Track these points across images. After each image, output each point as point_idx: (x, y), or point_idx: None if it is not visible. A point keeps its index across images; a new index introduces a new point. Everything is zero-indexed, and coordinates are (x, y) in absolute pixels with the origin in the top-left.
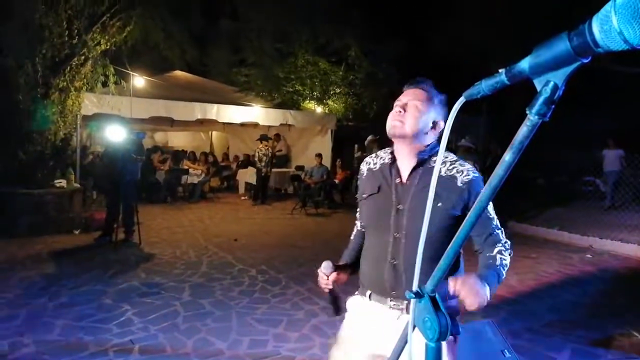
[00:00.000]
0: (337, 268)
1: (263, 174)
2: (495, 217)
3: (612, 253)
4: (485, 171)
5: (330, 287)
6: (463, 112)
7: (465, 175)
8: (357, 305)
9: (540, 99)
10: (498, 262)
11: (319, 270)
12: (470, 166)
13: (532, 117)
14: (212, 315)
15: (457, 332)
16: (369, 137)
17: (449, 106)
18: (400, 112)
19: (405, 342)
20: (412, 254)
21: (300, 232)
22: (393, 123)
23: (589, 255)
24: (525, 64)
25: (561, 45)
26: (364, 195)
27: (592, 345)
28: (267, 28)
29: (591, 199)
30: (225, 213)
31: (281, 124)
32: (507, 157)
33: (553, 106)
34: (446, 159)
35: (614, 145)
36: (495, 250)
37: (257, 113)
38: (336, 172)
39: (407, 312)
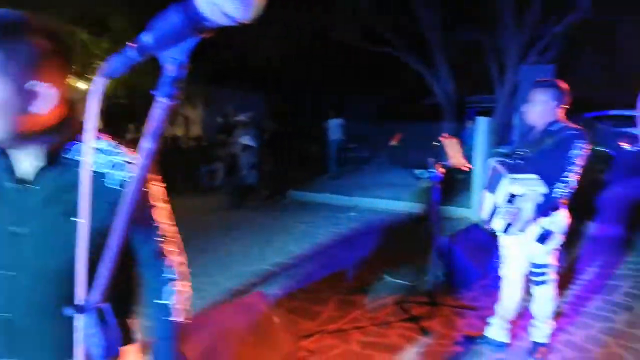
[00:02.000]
0: None
1: None
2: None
3: (372, 209)
4: (263, 146)
5: None
6: (240, 89)
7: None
8: None
9: (166, 80)
10: (169, 312)
11: None
12: None
13: (161, 100)
14: None
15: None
16: None
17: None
18: None
19: None
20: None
21: None
22: None
23: (353, 214)
24: (149, 37)
25: (176, 18)
26: None
27: (353, 293)
28: None
29: (357, 163)
30: None
31: None
32: (147, 144)
33: (180, 86)
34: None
35: (335, 115)
36: (161, 279)
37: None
38: None
39: None
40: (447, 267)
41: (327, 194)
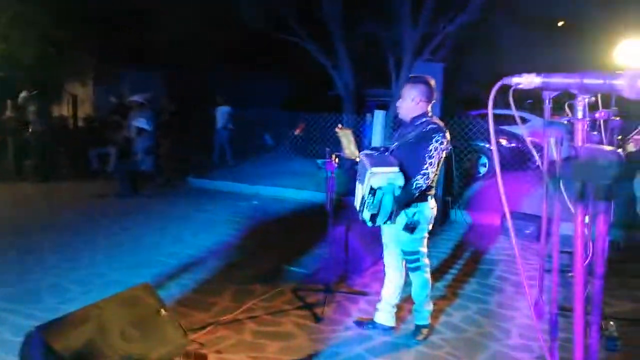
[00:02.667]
0: None
1: None
2: None
3: (274, 198)
4: (160, 128)
5: None
6: (137, 67)
7: None
8: None
9: None
10: None
11: None
12: None
13: None
14: None
15: None
16: (22, 94)
17: None
18: None
19: None
20: None
21: None
22: None
23: (255, 202)
24: None
25: None
26: None
27: (250, 283)
28: None
29: (261, 151)
30: None
31: None
32: None
33: None
34: None
35: (222, 102)
36: None
37: None
38: None
39: None
40: (343, 255)
41: (228, 181)
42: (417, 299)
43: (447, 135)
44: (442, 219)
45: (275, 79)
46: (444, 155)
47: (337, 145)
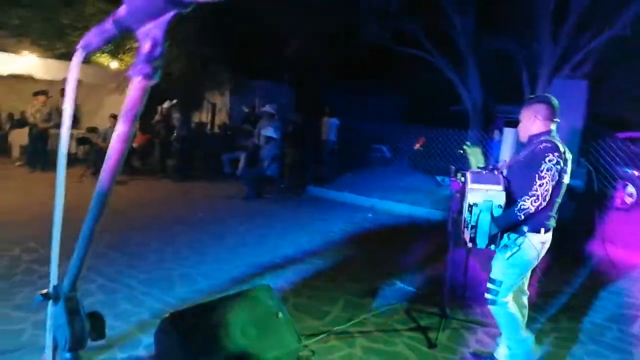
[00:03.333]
0: None
1: (37, 133)
2: None
3: (389, 212)
4: (286, 137)
5: None
6: (268, 79)
7: None
8: None
9: (142, 57)
10: None
11: None
12: None
13: (136, 79)
14: None
15: None
16: (166, 103)
17: None
18: None
19: None
20: None
21: (88, 202)
22: None
23: (370, 215)
24: (123, 9)
25: None
26: None
27: (362, 296)
28: None
29: (378, 164)
30: None
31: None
32: (121, 127)
33: (157, 65)
34: None
35: (329, 114)
36: None
37: (32, 63)
38: (135, 136)
39: None
40: (462, 280)
41: (345, 192)
42: (505, 336)
43: (567, 155)
44: (577, 252)
45: (395, 93)
46: (565, 179)
47: (459, 162)
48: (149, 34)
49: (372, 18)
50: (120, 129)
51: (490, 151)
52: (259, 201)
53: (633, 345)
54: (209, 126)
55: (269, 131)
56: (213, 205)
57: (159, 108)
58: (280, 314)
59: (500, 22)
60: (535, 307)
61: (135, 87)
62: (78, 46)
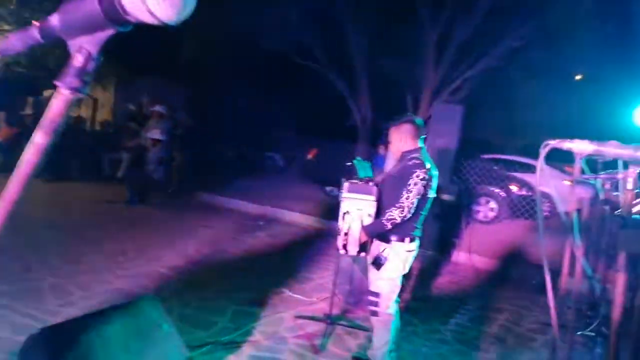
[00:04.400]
0: None
1: None
2: None
3: (281, 220)
4: (176, 139)
5: None
6: (159, 77)
7: None
8: None
9: (72, 70)
10: None
11: None
12: None
13: (63, 91)
14: None
15: None
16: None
17: None
18: None
19: None
20: None
21: None
22: None
23: (261, 223)
24: (57, 19)
25: (90, 4)
26: None
27: (251, 306)
28: None
29: (271, 172)
30: None
31: None
32: (39, 139)
33: (88, 79)
34: None
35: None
36: None
37: None
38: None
39: None
40: (348, 287)
41: (236, 199)
42: (373, 349)
43: (433, 172)
44: (446, 260)
45: (293, 103)
46: (430, 194)
47: (348, 174)
48: (83, 48)
49: (273, 26)
50: (37, 140)
51: (376, 165)
52: (143, 206)
53: (491, 344)
54: (88, 123)
55: (157, 133)
56: (90, 209)
57: (30, 99)
58: (165, 326)
59: (392, 44)
60: (411, 311)
61: (60, 98)
62: None
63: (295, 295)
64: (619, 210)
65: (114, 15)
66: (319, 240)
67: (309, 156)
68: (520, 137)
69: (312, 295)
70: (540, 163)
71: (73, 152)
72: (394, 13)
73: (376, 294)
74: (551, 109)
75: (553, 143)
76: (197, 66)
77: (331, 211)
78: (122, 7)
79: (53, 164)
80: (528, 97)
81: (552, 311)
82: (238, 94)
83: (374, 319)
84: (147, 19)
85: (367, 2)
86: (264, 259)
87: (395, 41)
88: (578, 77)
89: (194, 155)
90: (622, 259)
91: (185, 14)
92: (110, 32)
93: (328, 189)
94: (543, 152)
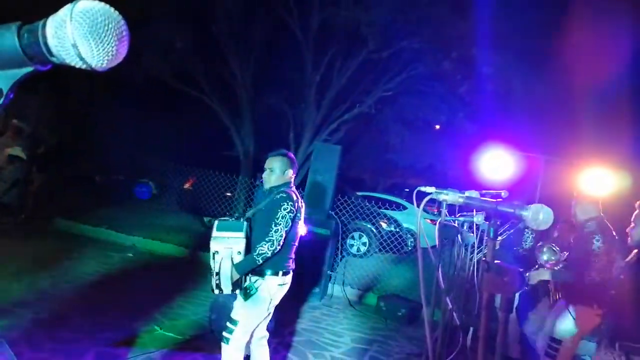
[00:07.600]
0: None
1: None
2: None
3: (153, 252)
4: (36, 159)
5: None
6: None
7: None
8: None
9: None
10: None
11: None
12: None
13: None
14: None
15: None
16: None
17: None
18: None
19: None
20: None
21: None
22: None
23: (130, 254)
24: None
25: (9, 39)
26: None
27: (116, 346)
28: None
29: (144, 200)
30: None
31: None
32: None
33: None
34: None
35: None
36: None
37: None
38: None
39: None
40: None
41: (102, 228)
42: None
43: (300, 204)
44: (322, 293)
45: (172, 129)
46: (300, 229)
47: (227, 205)
48: None
49: (154, 50)
50: None
51: (256, 197)
52: None
53: None
54: None
55: (16, 150)
56: None
57: None
58: None
59: (277, 81)
60: (286, 346)
61: None
62: None
63: (167, 333)
64: (483, 257)
65: (35, 54)
66: (194, 274)
67: (187, 185)
68: (389, 176)
69: (185, 332)
70: (420, 210)
71: None
72: (279, 51)
73: (236, 322)
74: (415, 153)
75: (431, 194)
76: (65, 76)
77: (208, 243)
78: (47, 48)
79: None
80: (397, 141)
81: (429, 341)
82: (111, 114)
83: (224, 346)
84: (75, 63)
85: (252, 40)
86: (132, 294)
87: (281, 78)
88: (437, 127)
89: (57, 177)
90: (484, 298)
91: (117, 61)
92: (26, 71)
93: (206, 219)
94: (423, 203)
